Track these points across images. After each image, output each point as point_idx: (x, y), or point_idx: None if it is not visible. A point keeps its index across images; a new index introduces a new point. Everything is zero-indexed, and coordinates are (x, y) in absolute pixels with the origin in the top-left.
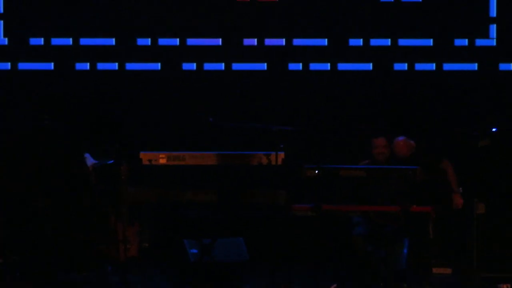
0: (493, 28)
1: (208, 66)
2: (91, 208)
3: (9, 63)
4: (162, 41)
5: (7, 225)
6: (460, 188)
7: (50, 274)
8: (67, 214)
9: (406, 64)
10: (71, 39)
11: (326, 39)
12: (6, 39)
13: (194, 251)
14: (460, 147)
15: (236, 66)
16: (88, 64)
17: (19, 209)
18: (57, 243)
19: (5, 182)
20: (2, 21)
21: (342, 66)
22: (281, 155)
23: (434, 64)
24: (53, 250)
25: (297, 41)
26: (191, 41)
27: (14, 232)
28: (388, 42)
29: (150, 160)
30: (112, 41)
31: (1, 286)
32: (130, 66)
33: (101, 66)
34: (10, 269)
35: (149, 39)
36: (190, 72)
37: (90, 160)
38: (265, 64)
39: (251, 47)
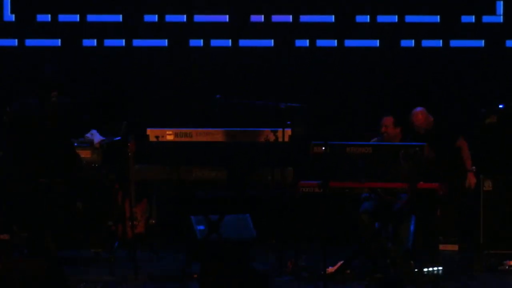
0: (500, 5)
1: (214, 42)
2: (98, 184)
3: (16, 40)
4: (169, 18)
5: (15, 202)
6: (474, 167)
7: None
8: (72, 190)
9: (413, 41)
10: (78, 15)
11: (333, 16)
12: (13, 15)
13: (202, 227)
14: (466, 124)
15: (242, 42)
16: (95, 40)
17: (27, 185)
18: (64, 219)
19: (13, 158)
20: None
21: (349, 43)
22: (288, 131)
23: (441, 41)
24: (60, 226)
25: (304, 18)
26: (198, 18)
27: (22, 209)
28: (395, 18)
29: (157, 137)
30: (119, 18)
31: (9, 263)
32: (137, 42)
33: (108, 42)
34: (18, 246)
35: (156, 16)
36: (197, 48)
37: (97, 137)
38: (272, 40)
39: (257, 23)
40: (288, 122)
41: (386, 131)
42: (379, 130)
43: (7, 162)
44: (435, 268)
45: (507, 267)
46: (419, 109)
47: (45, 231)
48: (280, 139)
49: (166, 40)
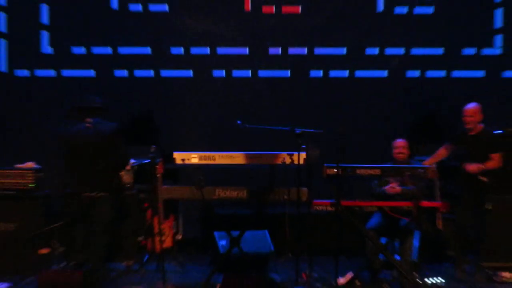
0: (499, 38)
1: (236, 73)
2: (131, 203)
3: (54, 71)
4: (194, 50)
5: (57, 218)
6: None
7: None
8: (110, 207)
9: (418, 71)
10: (110, 48)
11: (345, 48)
12: (52, 48)
13: (224, 242)
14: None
15: (261, 73)
16: (126, 71)
17: (71, 200)
18: (101, 235)
19: (57, 177)
20: (48, 32)
21: (359, 73)
22: (303, 155)
23: (444, 72)
24: (98, 242)
25: (318, 50)
26: (220, 50)
27: (64, 225)
28: (402, 51)
29: (183, 159)
30: (148, 50)
31: (50, 275)
32: (164, 73)
33: (138, 73)
34: (57, 259)
35: (182, 48)
36: (219, 78)
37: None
38: (289, 71)
39: (275, 55)
40: (303, 146)
41: (402, 152)
42: (392, 153)
43: (55, 179)
44: (437, 279)
45: (503, 278)
46: (472, 104)
47: (87, 244)
48: (296, 162)
49: (191, 71)
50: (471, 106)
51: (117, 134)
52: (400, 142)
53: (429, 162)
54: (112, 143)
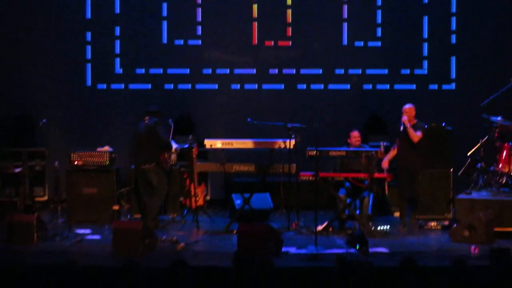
0: (425, 63)
1: (247, 86)
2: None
3: (123, 85)
4: (219, 71)
5: (125, 185)
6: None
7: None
8: (158, 175)
9: (370, 85)
10: (161, 69)
11: (321, 69)
12: (122, 69)
13: (239, 201)
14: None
15: (264, 86)
16: (172, 85)
17: (134, 172)
18: (153, 195)
19: (132, 157)
20: (119, 58)
21: (331, 86)
22: (293, 141)
23: (388, 85)
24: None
25: (303, 71)
26: (236, 71)
27: (129, 189)
28: (360, 71)
29: (211, 145)
30: (187, 70)
31: (120, 224)
32: (198, 86)
33: (180, 86)
34: (125, 213)
35: (210, 69)
36: (235, 90)
37: (174, 145)
38: (283, 85)
39: (274, 74)
40: (293, 136)
41: (357, 140)
42: (348, 140)
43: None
44: (385, 227)
45: (430, 226)
46: (408, 104)
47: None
48: (288, 147)
49: (217, 85)
50: (408, 105)
51: (155, 126)
52: (355, 133)
53: (385, 162)
54: (154, 132)
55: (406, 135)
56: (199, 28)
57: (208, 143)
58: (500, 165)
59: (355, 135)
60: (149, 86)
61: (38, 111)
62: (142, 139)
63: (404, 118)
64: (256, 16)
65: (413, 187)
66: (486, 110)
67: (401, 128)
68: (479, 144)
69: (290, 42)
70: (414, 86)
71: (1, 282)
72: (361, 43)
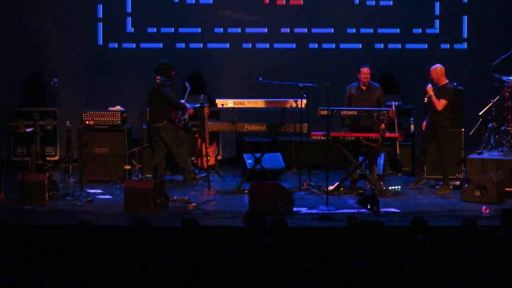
0: (437, 22)
1: (259, 45)
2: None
3: (134, 44)
4: (230, 30)
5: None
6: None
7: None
8: (170, 133)
9: (382, 44)
10: (173, 28)
11: (333, 28)
12: (133, 28)
13: (250, 161)
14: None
15: (276, 45)
16: (184, 44)
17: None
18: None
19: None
20: (130, 17)
21: (342, 46)
22: (304, 101)
23: (400, 44)
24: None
25: (314, 30)
26: (248, 30)
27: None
28: (371, 30)
29: (222, 104)
30: (199, 30)
31: (132, 183)
32: (210, 45)
33: (192, 45)
34: (136, 173)
35: (222, 28)
36: (247, 49)
37: (186, 105)
38: (294, 44)
39: (285, 33)
40: (304, 95)
41: (367, 77)
42: (357, 76)
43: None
44: (396, 187)
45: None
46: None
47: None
48: (299, 106)
49: (228, 44)
50: (434, 66)
51: (160, 87)
52: (364, 69)
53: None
54: (159, 92)
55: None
56: None
57: (220, 102)
58: None
59: (364, 71)
60: (161, 45)
61: (49, 71)
62: (152, 98)
63: (428, 86)
64: None
65: (439, 148)
66: (497, 69)
67: (425, 98)
68: (490, 104)
69: (302, 1)
70: (425, 46)
71: (14, 241)
72: (373, 2)
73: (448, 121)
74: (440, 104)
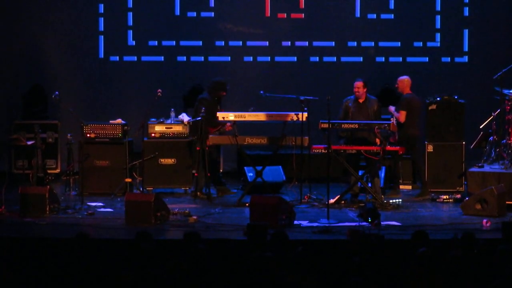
0: (438, 35)
1: (260, 58)
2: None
3: (136, 57)
4: (231, 43)
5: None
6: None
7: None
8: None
9: (383, 58)
10: (174, 41)
11: (334, 42)
12: (134, 41)
13: (251, 174)
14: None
15: (277, 58)
16: (185, 57)
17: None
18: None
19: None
20: (132, 31)
21: (343, 59)
22: (305, 114)
23: (400, 58)
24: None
25: (315, 43)
26: (249, 43)
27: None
28: (372, 43)
29: (223, 117)
30: (200, 43)
31: (133, 196)
32: (211, 58)
33: (193, 58)
34: (137, 186)
35: (223, 41)
36: (248, 62)
37: (186, 117)
38: (295, 57)
39: (286, 46)
40: (305, 108)
41: (357, 91)
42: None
43: None
44: (397, 200)
45: (442, 199)
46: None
47: None
48: (300, 119)
49: (229, 57)
50: (403, 77)
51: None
52: (356, 83)
53: None
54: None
55: None
56: (212, 0)
57: (221, 115)
58: None
59: (355, 85)
60: (162, 58)
61: (50, 83)
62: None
63: (390, 108)
64: None
65: (412, 156)
66: (498, 82)
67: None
68: (491, 117)
69: (303, 15)
70: (426, 59)
71: (14, 254)
72: (374, 16)
73: (413, 129)
74: (400, 116)
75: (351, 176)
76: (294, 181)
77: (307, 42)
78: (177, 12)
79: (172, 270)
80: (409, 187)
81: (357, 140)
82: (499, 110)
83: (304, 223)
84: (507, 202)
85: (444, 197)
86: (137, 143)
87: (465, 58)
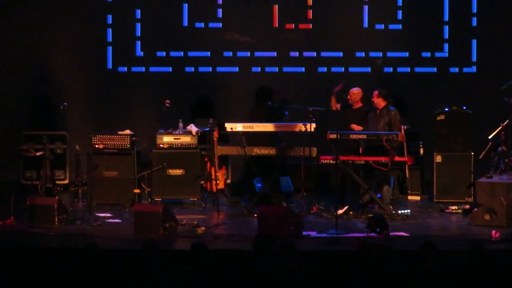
0: (446, 46)
1: (268, 69)
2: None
3: (144, 68)
4: (239, 53)
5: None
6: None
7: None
8: None
9: (391, 68)
10: (182, 52)
11: (342, 52)
12: (142, 52)
13: (259, 185)
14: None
15: (285, 69)
16: (193, 68)
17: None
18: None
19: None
20: (140, 41)
21: (352, 69)
22: (313, 124)
23: (409, 68)
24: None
25: (323, 54)
26: (257, 54)
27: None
28: (380, 54)
29: (231, 128)
30: (208, 54)
31: (141, 207)
32: (219, 69)
33: (201, 69)
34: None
35: (231, 52)
36: (256, 73)
37: (194, 128)
38: (303, 68)
39: (294, 57)
40: (313, 119)
41: (350, 98)
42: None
43: None
44: (405, 211)
45: (451, 210)
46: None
47: None
48: (308, 130)
49: (237, 67)
50: (354, 88)
51: None
52: (352, 90)
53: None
54: None
55: None
56: (220, 10)
57: (229, 126)
58: None
59: (350, 92)
60: (170, 69)
61: (59, 94)
62: None
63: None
64: None
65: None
66: (507, 93)
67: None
68: (500, 128)
69: (311, 25)
70: (435, 69)
71: (23, 264)
72: (382, 26)
73: None
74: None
75: (360, 186)
76: (302, 192)
77: (315, 53)
78: (185, 23)
79: (179, 280)
80: (418, 197)
81: (370, 149)
82: (507, 121)
83: (313, 233)
84: None
85: (453, 207)
86: (145, 153)
87: (474, 69)
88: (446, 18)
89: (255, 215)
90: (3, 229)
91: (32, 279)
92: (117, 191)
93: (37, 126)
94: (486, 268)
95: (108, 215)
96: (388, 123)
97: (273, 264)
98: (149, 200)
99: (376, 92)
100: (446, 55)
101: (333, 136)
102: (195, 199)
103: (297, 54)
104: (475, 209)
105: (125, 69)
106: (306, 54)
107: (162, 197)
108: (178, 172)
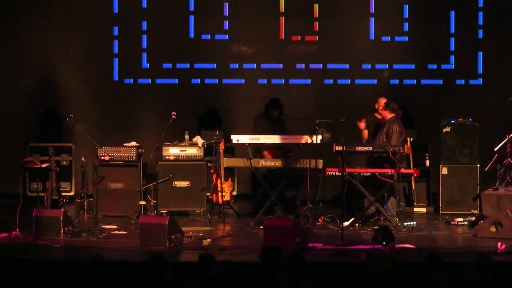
0: (452, 58)
1: (274, 81)
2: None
3: (150, 79)
4: (246, 65)
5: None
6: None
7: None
8: None
9: (398, 80)
10: (188, 64)
11: (348, 64)
12: (149, 64)
13: (265, 197)
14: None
15: (291, 81)
16: (199, 79)
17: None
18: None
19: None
20: (146, 53)
21: (358, 81)
22: (320, 136)
23: (415, 80)
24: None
25: (329, 66)
26: (263, 66)
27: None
28: (386, 66)
29: (237, 140)
30: (214, 65)
31: (147, 218)
32: (225, 81)
33: (207, 81)
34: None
35: (237, 64)
36: (263, 85)
37: (200, 140)
38: (310, 80)
39: (301, 69)
40: (319, 131)
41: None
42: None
43: None
44: (411, 223)
45: (457, 222)
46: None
47: None
48: (315, 141)
49: (243, 79)
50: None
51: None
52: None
53: None
54: None
55: None
56: (226, 22)
57: (235, 138)
58: None
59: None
60: (176, 81)
61: (65, 106)
62: None
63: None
64: (283, 10)
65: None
66: None
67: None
68: (506, 139)
69: (317, 37)
70: (441, 81)
71: (29, 276)
72: (388, 38)
73: None
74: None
75: (366, 198)
76: (308, 203)
77: (321, 65)
78: (191, 34)
79: None
80: (424, 209)
81: (377, 161)
82: None
83: (319, 245)
84: None
85: (459, 219)
86: (152, 165)
87: (480, 81)
88: (452, 30)
89: (261, 227)
90: (9, 241)
91: None
92: (123, 203)
93: (43, 138)
94: (492, 280)
95: (114, 227)
96: (386, 134)
97: (281, 276)
98: (155, 212)
99: (383, 104)
100: (452, 67)
101: (339, 148)
102: (201, 211)
103: (303, 66)
104: (481, 221)
105: (131, 81)
106: (312, 66)
107: (168, 209)
108: (184, 184)
